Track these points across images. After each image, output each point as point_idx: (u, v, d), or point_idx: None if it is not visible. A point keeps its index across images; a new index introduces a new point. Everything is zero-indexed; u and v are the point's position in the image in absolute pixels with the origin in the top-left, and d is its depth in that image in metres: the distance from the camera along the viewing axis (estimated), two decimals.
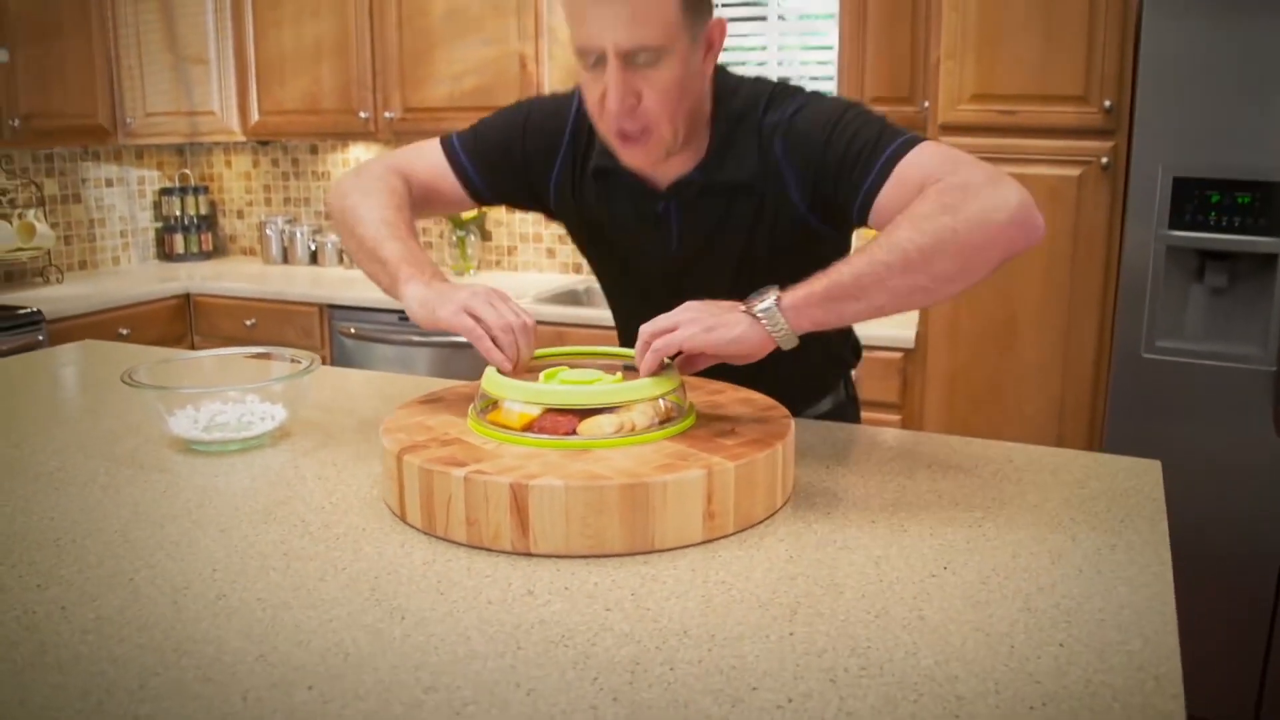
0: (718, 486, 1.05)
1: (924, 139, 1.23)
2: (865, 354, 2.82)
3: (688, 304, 1.18)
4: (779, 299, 1.14)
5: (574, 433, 1.13)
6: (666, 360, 1.19)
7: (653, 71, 1.21)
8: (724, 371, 1.31)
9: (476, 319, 1.21)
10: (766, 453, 1.10)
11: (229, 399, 1.42)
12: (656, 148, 1.27)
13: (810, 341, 1.48)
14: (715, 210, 1.35)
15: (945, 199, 1.12)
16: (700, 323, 1.15)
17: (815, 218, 1.28)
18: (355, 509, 1.17)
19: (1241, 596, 2.35)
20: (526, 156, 1.45)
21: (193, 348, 3.69)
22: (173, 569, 1.01)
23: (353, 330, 3.46)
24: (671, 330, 1.15)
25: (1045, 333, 2.60)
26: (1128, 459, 1.34)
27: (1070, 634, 0.88)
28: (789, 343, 1.15)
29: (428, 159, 1.49)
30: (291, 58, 3.75)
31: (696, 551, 1.04)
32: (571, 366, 1.27)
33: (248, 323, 3.64)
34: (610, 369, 1.25)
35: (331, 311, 3.51)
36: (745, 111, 1.32)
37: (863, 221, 1.26)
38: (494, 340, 1.21)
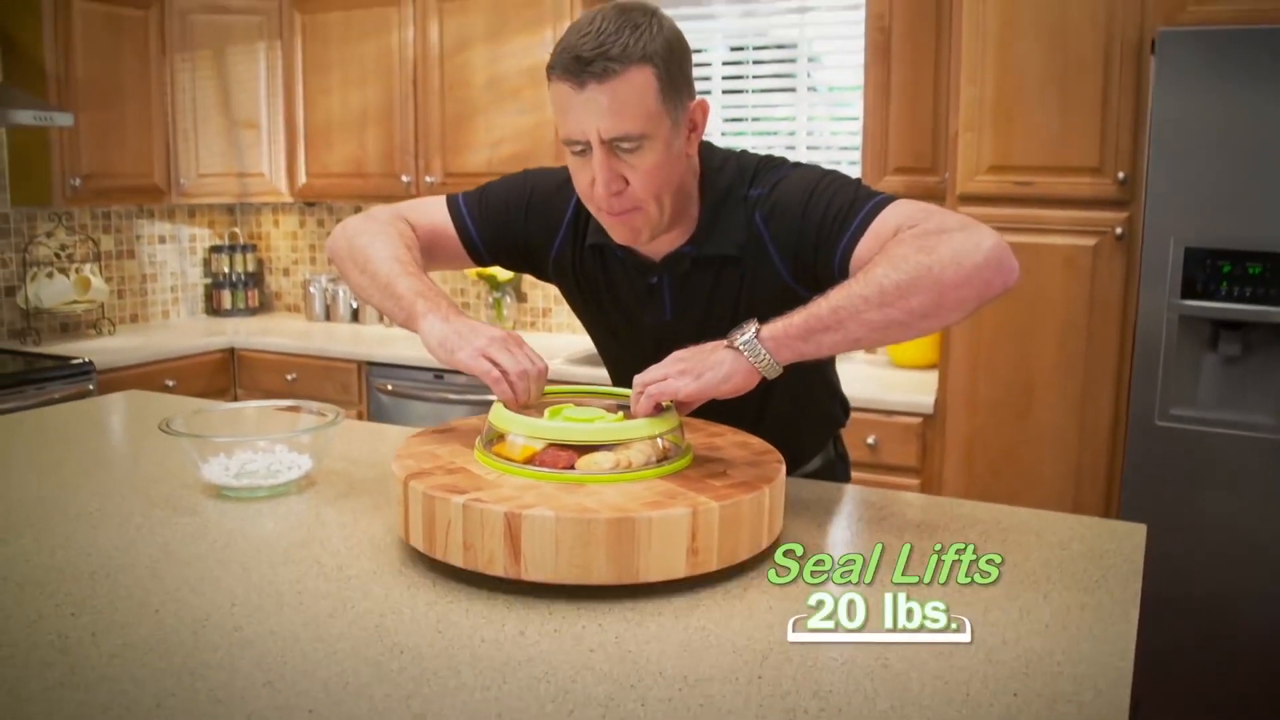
0: (701, 525, 1.10)
1: (899, 198, 1.29)
2: (886, 419, 2.90)
3: (675, 354, 1.25)
4: (758, 331, 1.21)
5: (573, 467, 1.19)
6: (666, 404, 1.26)
7: (635, 157, 1.27)
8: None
9: (494, 363, 1.28)
10: (752, 495, 1.15)
11: (259, 448, 1.51)
12: (644, 227, 1.34)
13: (800, 399, 1.54)
14: (705, 282, 1.41)
15: (921, 241, 1.19)
16: (689, 373, 1.22)
17: (800, 287, 1.33)
18: (369, 554, 1.24)
19: (1258, 664, 2.34)
20: (528, 230, 1.51)
21: (235, 400, 3.82)
22: (195, 603, 1.09)
23: (390, 387, 3.57)
24: (663, 380, 1.22)
25: (1061, 399, 2.63)
26: (1113, 522, 1.38)
27: (1026, 685, 0.93)
28: (773, 372, 1.21)
29: (432, 213, 1.55)
30: (338, 124, 3.93)
31: (682, 599, 1.10)
32: (577, 404, 1.33)
33: (289, 377, 3.77)
34: (613, 409, 1.31)
35: (370, 368, 3.63)
36: (731, 186, 1.38)
37: (844, 278, 1.31)
38: (510, 386, 1.27)
